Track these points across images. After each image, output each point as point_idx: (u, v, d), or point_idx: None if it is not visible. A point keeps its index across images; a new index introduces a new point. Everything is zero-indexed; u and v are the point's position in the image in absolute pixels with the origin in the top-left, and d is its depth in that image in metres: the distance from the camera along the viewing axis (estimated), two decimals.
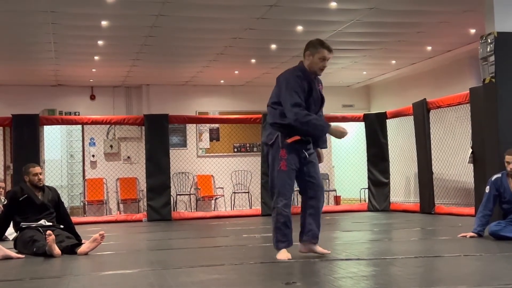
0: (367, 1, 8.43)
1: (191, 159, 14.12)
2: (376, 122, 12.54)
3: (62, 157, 14.34)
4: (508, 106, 7.96)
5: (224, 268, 4.77)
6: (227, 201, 13.95)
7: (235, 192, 13.94)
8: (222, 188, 13.95)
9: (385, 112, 12.58)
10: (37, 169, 6.49)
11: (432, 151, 11.07)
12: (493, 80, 7.97)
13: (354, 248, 5.98)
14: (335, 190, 14.25)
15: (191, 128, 14.26)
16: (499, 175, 6.40)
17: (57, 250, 5.67)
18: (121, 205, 13.58)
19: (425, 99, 11.05)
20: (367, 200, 12.76)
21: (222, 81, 14.04)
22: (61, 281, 4.44)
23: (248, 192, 13.90)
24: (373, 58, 11.97)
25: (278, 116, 4.93)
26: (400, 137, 12.58)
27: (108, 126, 13.53)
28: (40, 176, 6.46)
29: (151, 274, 4.64)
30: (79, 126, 13.71)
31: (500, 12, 7.97)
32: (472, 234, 6.39)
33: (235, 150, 14.56)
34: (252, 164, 13.94)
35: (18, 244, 6.17)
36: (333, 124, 5.00)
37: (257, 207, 12.61)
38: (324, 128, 4.88)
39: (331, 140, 14.93)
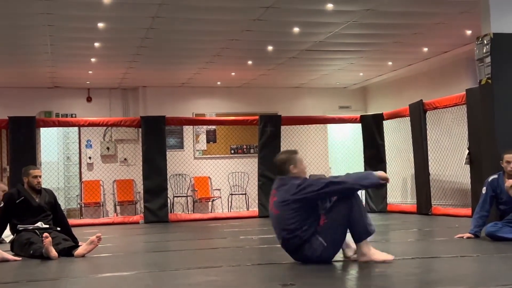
0: (363, 2, 8.44)
1: (188, 161, 14.11)
2: (372, 124, 12.55)
3: (58, 159, 14.31)
4: (504, 107, 7.97)
5: (221, 270, 4.77)
6: (224, 202, 13.95)
7: (232, 194, 13.93)
8: (219, 189, 13.94)
9: (382, 113, 12.60)
10: (37, 172, 6.49)
11: (429, 152, 11.08)
12: (489, 81, 7.99)
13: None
14: None
15: (188, 130, 14.25)
16: (495, 176, 6.41)
17: (53, 253, 5.66)
18: (118, 207, 13.56)
19: (421, 100, 11.07)
20: (364, 201, 12.76)
21: (218, 83, 14.03)
22: (58, 284, 4.43)
23: (245, 194, 13.89)
24: (369, 59, 11.99)
25: None
26: (396, 138, 12.59)
27: (104, 128, 13.51)
28: (39, 179, 6.46)
29: (148, 276, 4.64)
30: (76, 128, 13.69)
31: (496, 13, 7.99)
32: (468, 235, 6.39)
33: (232, 151, 14.55)
34: (249, 165, 13.94)
35: (14, 247, 6.16)
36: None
37: (254, 209, 12.61)
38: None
39: (328, 141, 14.97)
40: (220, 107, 14.47)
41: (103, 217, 12.92)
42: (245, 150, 14.58)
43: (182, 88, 14.26)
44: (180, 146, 14.25)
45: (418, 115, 11.08)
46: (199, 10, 8.52)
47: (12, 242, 6.28)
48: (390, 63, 12.46)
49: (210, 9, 8.47)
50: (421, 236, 7.53)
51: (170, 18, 8.82)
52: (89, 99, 14.23)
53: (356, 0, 8.39)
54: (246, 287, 4.03)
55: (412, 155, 11.34)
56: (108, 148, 13.96)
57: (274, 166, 12.87)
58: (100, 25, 9.00)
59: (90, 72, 12.40)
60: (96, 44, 10.13)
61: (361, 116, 12.87)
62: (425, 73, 12.80)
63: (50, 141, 13.38)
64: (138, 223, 11.31)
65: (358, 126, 12.87)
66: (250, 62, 11.96)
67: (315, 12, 8.79)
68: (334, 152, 14.95)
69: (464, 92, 9.71)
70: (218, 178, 14.04)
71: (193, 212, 13.32)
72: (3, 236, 6.88)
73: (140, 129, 12.08)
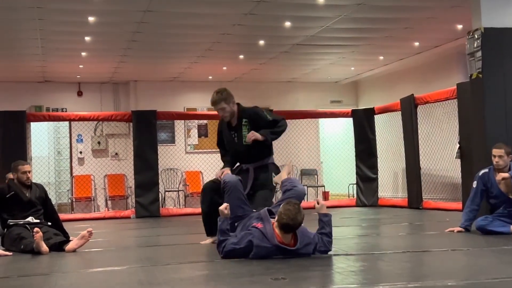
0: None
1: (179, 156, 14.09)
2: (364, 118, 12.57)
3: (49, 154, 14.26)
4: (495, 101, 8.00)
5: (213, 264, 4.77)
6: None
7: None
8: None
9: (373, 107, 12.62)
10: (26, 167, 6.46)
11: (420, 147, 11.11)
12: (480, 75, 8.01)
13: (342, 243, 6.00)
14: (323, 186, 14.27)
15: (179, 124, 14.22)
16: (486, 170, 6.43)
17: (44, 247, 5.65)
18: (109, 202, 13.53)
19: (412, 94, 11.09)
20: (355, 195, 12.79)
21: (210, 77, 14.01)
22: (49, 279, 4.42)
23: None
24: (361, 53, 11.99)
25: None
26: (388, 132, 12.62)
27: (95, 122, 13.47)
28: (29, 175, 6.43)
29: (139, 270, 4.63)
30: (66, 123, 13.65)
31: (487, 7, 8.01)
32: (459, 228, 6.42)
33: None
34: None
35: (5, 242, 6.14)
36: None
37: None
38: None
39: (319, 135, 14.98)
40: None
41: (94, 211, 12.88)
42: None
43: (174, 82, 14.23)
44: (172, 140, 14.23)
45: (409, 110, 11.10)
46: (190, 4, 8.49)
47: (2, 237, 6.26)
48: (381, 57, 12.48)
49: (201, 3, 8.44)
50: (412, 230, 7.55)
51: (161, 12, 8.78)
52: (79, 94, 14.18)
53: None
54: (238, 281, 4.03)
55: (403, 149, 11.37)
56: (99, 143, 13.92)
57: None
58: (91, 19, 8.95)
59: (80, 66, 12.34)
60: (87, 38, 10.08)
61: (353, 110, 12.88)
62: (416, 68, 12.82)
63: (40, 135, 13.33)
64: (129, 217, 11.29)
65: (350, 121, 12.88)
66: (241, 57, 11.94)
67: (307, 6, 8.78)
68: (326, 146, 14.97)
69: (455, 87, 9.73)
70: (210, 173, 13.99)
71: (185, 207, 13.31)
72: None
73: (131, 124, 12.04)
